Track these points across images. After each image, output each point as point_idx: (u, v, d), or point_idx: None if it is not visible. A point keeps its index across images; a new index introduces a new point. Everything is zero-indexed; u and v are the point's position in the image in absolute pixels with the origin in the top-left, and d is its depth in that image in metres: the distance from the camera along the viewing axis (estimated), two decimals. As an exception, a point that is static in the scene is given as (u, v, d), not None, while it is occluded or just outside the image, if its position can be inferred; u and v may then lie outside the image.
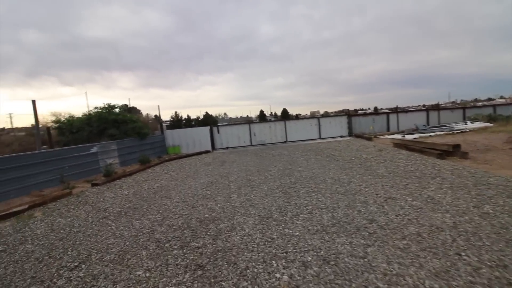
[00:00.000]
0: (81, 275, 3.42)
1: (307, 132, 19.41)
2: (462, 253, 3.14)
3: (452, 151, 8.67)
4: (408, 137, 14.64)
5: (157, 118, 28.31)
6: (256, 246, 3.77)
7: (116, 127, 14.13)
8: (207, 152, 17.19)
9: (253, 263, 3.30)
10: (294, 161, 10.61)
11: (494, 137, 11.44)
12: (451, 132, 14.81)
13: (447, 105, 61.60)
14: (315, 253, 3.41)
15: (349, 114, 20.67)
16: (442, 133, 14.83)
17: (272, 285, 2.85)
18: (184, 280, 3.09)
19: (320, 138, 19.31)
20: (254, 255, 3.50)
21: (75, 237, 4.74)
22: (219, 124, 22.74)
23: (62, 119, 14.24)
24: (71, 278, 3.35)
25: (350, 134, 19.36)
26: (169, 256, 3.69)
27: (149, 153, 14.88)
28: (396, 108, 25.39)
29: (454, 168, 7.12)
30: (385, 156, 9.78)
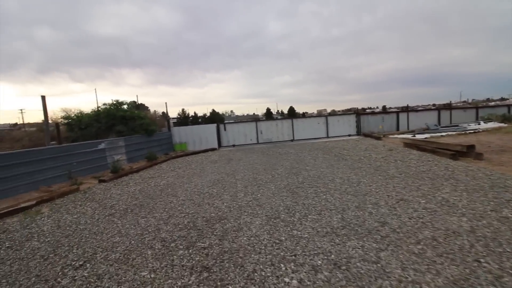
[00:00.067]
0: (85, 274, 3.37)
1: (314, 130, 19.17)
2: (482, 260, 2.97)
3: (466, 152, 8.37)
4: (418, 136, 14.29)
5: (165, 115, 28.39)
6: (263, 247, 3.65)
7: (124, 123, 14.18)
8: (213, 149, 17.15)
9: (261, 266, 3.19)
10: (301, 160, 10.45)
11: (509, 137, 11.06)
12: (463, 132, 14.39)
13: (458, 104, 60.26)
14: (325, 257, 3.27)
15: (358, 113, 20.31)
16: (454, 133, 14.43)
17: (281, 290, 2.74)
18: (190, 282, 3.00)
19: (327, 136, 19.04)
20: (262, 258, 3.39)
21: (81, 235, 4.71)
22: (225, 122, 22.66)
23: (72, 115, 14.38)
24: (76, 278, 3.30)
25: (359, 133, 19.03)
26: (175, 257, 3.61)
27: (156, 150, 14.91)
28: (407, 107, 24.87)
29: (468, 170, 6.87)
30: (396, 156, 9.54)
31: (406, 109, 22.39)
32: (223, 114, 63.80)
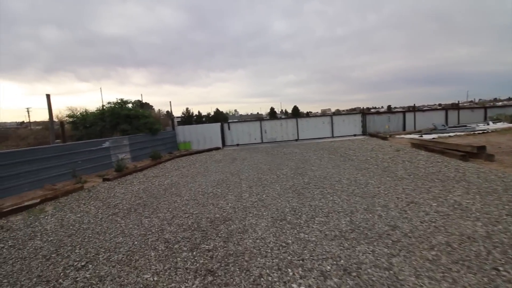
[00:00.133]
0: (87, 275, 3.29)
1: (319, 130, 18.97)
2: (500, 268, 2.82)
3: (476, 153, 8.16)
4: (426, 137, 14.04)
5: (169, 114, 28.37)
6: (270, 251, 3.54)
7: (128, 122, 14.17)
8: (217, 148, 17.07)
9: (267, 271, 3.08)
10: (306, 160, 10.30)
11: (520, 138, 10.78)
12: (472, 132, 14.11)
13: (465, 104, 59.36)
14: (334, 262, 3.15)
15: (363, 112, 20.05)
16: (462, 133, 14.15)
17: (289, 296, 2.62)
18: (194, 286, 2.89)
19: (332, 136, 18.83)
20: (268, 261, 3.27)
21: (84, 234, 4.64)
22: (230, 121, 22.56)
23: (77, 114, 14.41)
24: (77, 279, 3.22)
25: (364, 133, 18.79)
26: (178, 259, 3.51)
27: (160, 148, 14.87)
28: (414, 106, 24.52)
29: (480, 171, 6.67)
30: (403, 157, 9.35)
31: (413, 109, 22.06)
32: (227, 113, 63.68)
